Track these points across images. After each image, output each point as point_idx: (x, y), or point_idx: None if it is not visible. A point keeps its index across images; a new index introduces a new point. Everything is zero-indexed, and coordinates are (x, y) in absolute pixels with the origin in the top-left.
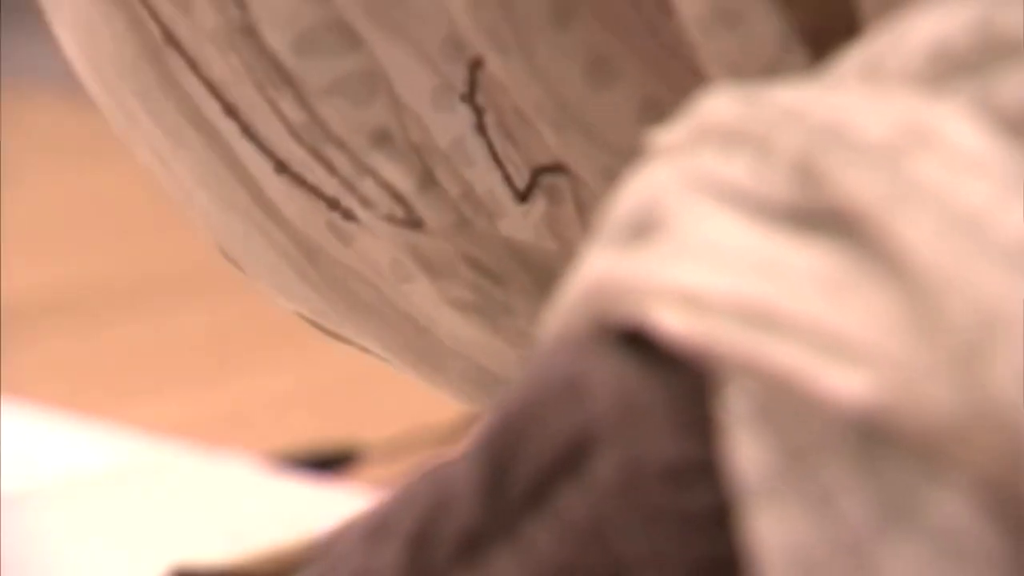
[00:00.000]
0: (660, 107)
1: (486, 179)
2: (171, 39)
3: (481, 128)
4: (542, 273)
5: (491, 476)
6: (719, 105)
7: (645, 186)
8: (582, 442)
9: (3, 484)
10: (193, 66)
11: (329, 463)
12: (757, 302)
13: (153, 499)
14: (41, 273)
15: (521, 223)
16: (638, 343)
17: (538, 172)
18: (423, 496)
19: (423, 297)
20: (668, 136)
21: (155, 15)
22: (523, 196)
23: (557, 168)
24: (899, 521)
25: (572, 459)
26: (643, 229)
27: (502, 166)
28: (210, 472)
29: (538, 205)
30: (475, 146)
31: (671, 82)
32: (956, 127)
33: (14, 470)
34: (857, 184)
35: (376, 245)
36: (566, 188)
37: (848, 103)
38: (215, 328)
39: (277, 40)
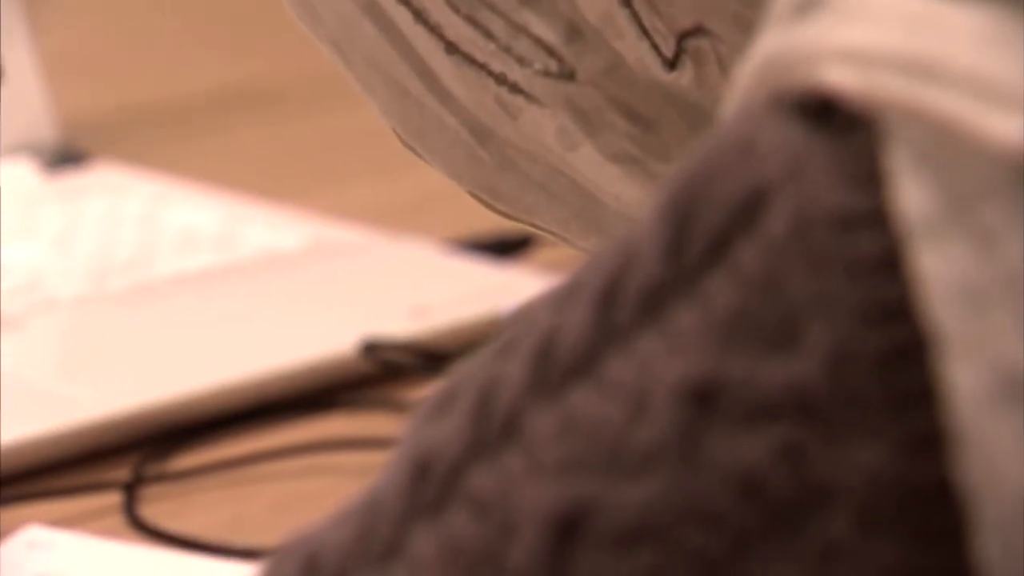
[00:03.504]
0: None
1: (635, 50)
2: None
3: (626, 0)
4: (695, 115)
5: (672, 235)
6: None
7: None
8: (756, 198)
9: (210, 259)
10: None
11: (507, 247)
12: (921, 54)
13: (342, 278)
14: (237, 68)
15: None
16: (809, 110)
17: (682, 37)
18: (608, 259)
19: (588, 162)
20: None
21: None
22: (671, 64)
23: (698, 30)
24: None
25: (747, 214)
26: (807, 6)
27: (649, 36)
28: (395, 254)
29: (686, 71)
30: (622, 19)
31: None
32: None
33: (218, 249)
34: None
35: (541, 115)
36: (708, 49)
37: None
38: None
39: None
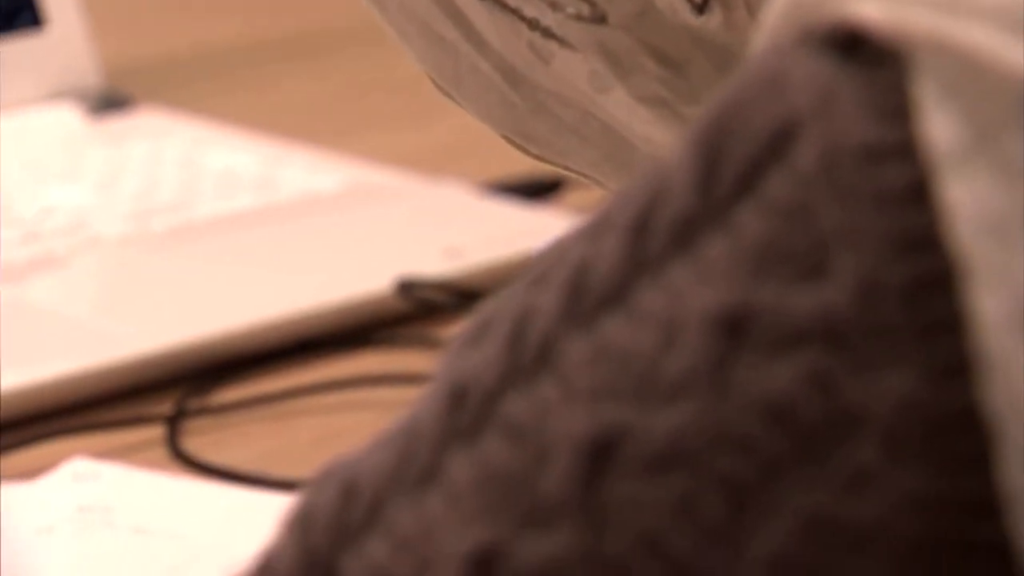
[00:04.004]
0: None
1: None
2: None
3: None
4: (723, 58)
5: (703, 168)
6: None
7: None
8: (786, 131)
9: (251, 201)
10: None
11: (539, 190)
12: None
13: (378, 220)
14: (278, 15)
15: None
16: (838, 44)
17: None
18: (640, 191)
19: (619, 105)
20: None
21: None
22: (700, 8)
23: None
24: None
25: (777, 147)
26: None
27: None
28: (430, 196)
29: (715, 15)
30: None
31: None
32: None
33: (258, 191)
34: None
35: (573, 59)
36: None
37: None
38: None
39: None
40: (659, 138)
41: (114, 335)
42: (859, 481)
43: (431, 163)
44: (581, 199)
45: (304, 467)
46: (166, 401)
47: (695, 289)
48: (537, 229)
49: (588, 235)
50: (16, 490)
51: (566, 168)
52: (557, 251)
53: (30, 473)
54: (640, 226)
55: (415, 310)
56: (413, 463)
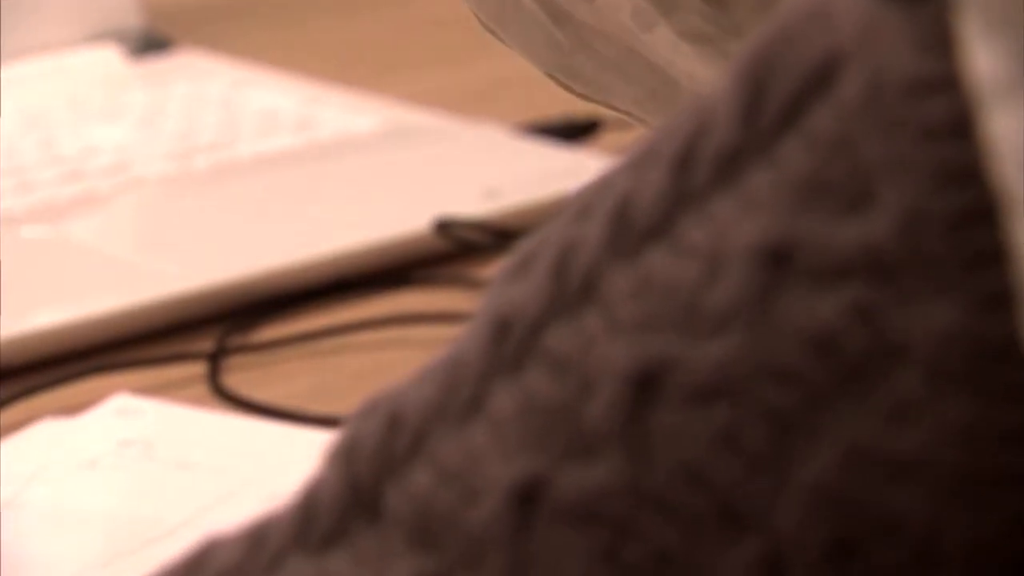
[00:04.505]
0: None
1: None
2: None
3: None
4: None
5: (747, 101)
6: None
7: None
8: (830, 63)
9: (290, 141)
10: None
11: (576, 131)
12: None
13: (417, 160)
14: None
15: None
16: None
17: None
18: (684, 124)
19: (663, 42)
20: None
21: None
22: None
23: None
24: None
25: (821, 80)
26: None
27: None
28: (468, 137)
29: None
30: None
31: None
32: None
33: (297, 132)
34: None
35: None
36: None
37: None
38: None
39: None
40: (702, 74)
41: (156, 273)
42: (902, 412)
43: (468, 104)
44: (617, 140)
45: (343, 404)
46: (207, 338)
47: (739, 221)
48: (573, 170)
49: (632, 168)
50: (60, 425)
51: (609, 105)
52: (601, 184)
53: (73, 408)
54: (684, 159)
55: (453, 250)
56: (457, 395)
